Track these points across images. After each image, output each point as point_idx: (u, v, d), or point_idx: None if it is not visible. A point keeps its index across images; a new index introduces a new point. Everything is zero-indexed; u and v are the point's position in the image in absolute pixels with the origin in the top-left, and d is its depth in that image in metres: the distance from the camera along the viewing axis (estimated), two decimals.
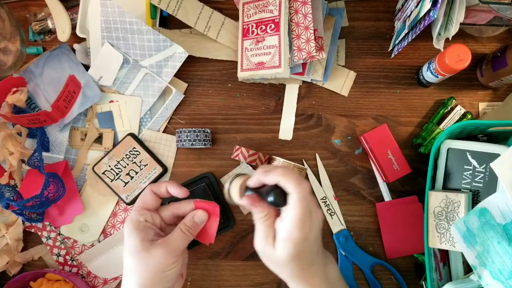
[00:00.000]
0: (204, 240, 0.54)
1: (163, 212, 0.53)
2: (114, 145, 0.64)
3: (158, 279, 0.47)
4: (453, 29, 0.52)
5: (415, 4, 0.54)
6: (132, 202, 0.63)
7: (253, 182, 0.48)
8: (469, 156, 0.53)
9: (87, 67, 0.64)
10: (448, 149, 0.54)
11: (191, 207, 0.53)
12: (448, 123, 0.62)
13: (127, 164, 0.63)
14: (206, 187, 0.62)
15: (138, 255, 0.48)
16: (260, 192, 0.48)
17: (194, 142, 0.61)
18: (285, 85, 0.66)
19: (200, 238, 0.54)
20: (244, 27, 0.63)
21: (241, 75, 0.63)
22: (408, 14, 0.57)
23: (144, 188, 0.51)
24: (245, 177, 0.50)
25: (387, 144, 0.61)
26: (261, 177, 0.47)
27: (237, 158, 0.61)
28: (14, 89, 0.61)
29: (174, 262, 0.48)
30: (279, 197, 0.45)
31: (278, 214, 0.47)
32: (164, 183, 0.53)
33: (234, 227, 0.64)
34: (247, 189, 0.49)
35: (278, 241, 0.45)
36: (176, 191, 0.53)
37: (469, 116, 0.62)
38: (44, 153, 0.63)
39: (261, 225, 0.46)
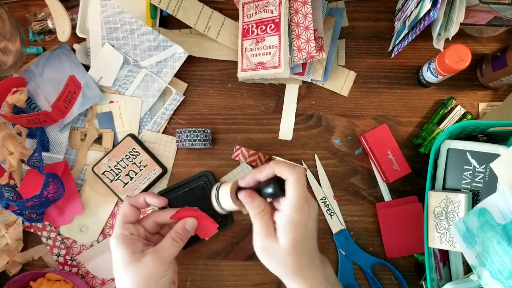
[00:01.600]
0: (207, 234, 0.55)
1: (145, 222, 0.54)
2: (114, 146, 0.64)
3: None
4: (453, 29, 0.52)
5: (415, 4, 0.54)
6: None
7: (245, 181, 0.49)
8: (469, 156, 0.53)
9: (87, 67, 0.64)
10: (448, 149, 0.54)
11: (172, 214, 0.54)
12: (448, 123, 0.62)
13: (127, 165, 0.63)
14: (204, 186, 0.63)
15: (130, 267, 0.48)
16: (255, 189, 0.49)
17: (194, 142, 0.61)
18: (285, 85, 0.66)
19: (201, 234, 0.55)
20: (244, 27, 0.63)
21: (241, 75, 0.63)
22: (408, 14, 0.57)
23: (122, 203, 0.52)
24: (233, 181, 0.51)
25: (387, 144, 0.61)
26: (255, 174, 0.48)
27: (237, 158, 0.61)
28: (14, 89, 0.61)
29: (166, 269, 0.48)
30: (278, 187, 0.47)
31: (273, 210, 0.48)
32: (142, 194, 0.54)
33: (234, 227, 0.64)
34: (238, 191, 0.50)
35: (279, 230, 0.45)
36: (154, 200, 0.53)
37: (469, 116, 0.62)
38: (44, 153, 0.63)
39: (259, 220, 0.47)
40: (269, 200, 0.49)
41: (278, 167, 0.46)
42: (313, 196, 0.64)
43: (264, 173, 0.47)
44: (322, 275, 0.47)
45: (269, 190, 0.47)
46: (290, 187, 0.45)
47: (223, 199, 0.50)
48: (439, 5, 0.49)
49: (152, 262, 0.48)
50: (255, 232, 0.47)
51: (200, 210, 0.55)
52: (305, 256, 0.46)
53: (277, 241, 0.45)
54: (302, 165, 0.64)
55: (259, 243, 0.47)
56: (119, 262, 0.48)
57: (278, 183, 0.47)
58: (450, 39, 0.53)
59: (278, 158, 0.61)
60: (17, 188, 0.62)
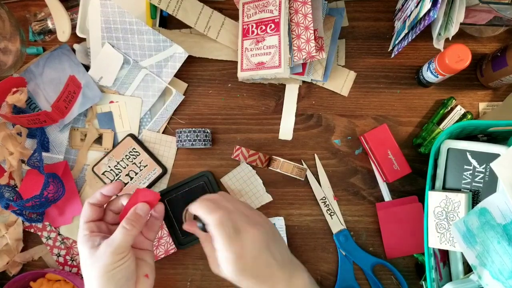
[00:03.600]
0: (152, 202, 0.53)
1: (106, 217, 0.53)
2: (114, 146, 0.64)
3: (106, 280, 0.47)
4: (453, 29, 0.52)
5: (415, 4, 0.54)
6: None
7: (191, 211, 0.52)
8: (469, 156, 0.53)
9: (87, 67, 0.64)
10: (448, 149, 0.54)
11: (126, 199, 0.53)
12: (448, 123, 0.62)
13: (127, 165, 0.63)
14: (204, 186, 0.63)
15: (88, 263, 0.48)
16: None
17: (194, 142, 0.61)
18: (285, 85, 0.66)
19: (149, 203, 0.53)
20: (244, 27, 0.63)
21: (241, 75, 0.63)
22: (408, 14, 0.57)
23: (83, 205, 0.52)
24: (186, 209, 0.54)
25: (387, 144, 0.61)
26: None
27: (237, 158, 0.61)
28: (14, 89, 0.61)
29: (119, 260, 0.47)
30: (203, 225, 0.51)
31: None
32: (97, 191, 0.53)
33: None
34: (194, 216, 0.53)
35: (219, 264, 0.48)
36: (109, 189, 0.52)
37: (469, 116, 0.62)
38: (44, 153, 0.63)
39: (205, 249, 0.52)
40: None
41: (198, 212, 0.49)
42: (313, 196, 0.64)
43: (192, 211, 0.50)
44: None
45: (199, 224, 0.51)
46: (211, 230, 0.48)
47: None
48: (439, 5, 0.49)
49: (104, 253, 0.47)
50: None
51: (155, 192, 0.53)
52: (256, 277, 0.48)
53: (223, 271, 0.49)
54: (302, 165, 0.64)
55: (212, 268, 0.51)
56: (81, 261, 0.49)
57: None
58: (450, 39, 0.53)
59: (278, 158, 0.61)
60: (17, 188, 0.62)
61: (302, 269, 0.52)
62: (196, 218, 0.52)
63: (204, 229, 0.50)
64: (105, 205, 0.54)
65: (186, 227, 0.55)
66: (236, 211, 0.50)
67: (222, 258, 0.47)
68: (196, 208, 0.50)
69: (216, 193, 0.54)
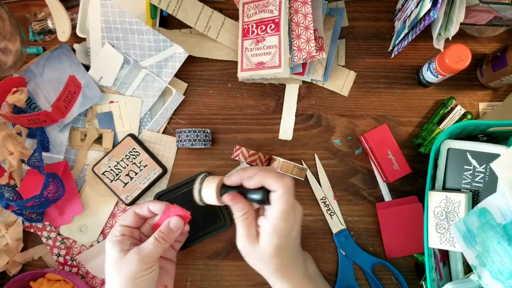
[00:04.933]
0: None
1: (143, 228, 0.55)
2: (114, 146, 0.64)
3: (130, 287, 0.47)
4: (453, 29, 0.52)
5: (415, 4, 0.54)
6: (132, 203, 0.63)
7: (231, 181, 0.50)
8: (469, 156, 0.53)
9: (87, 67, 0.64)
10: (448, 149, 0.54)
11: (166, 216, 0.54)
12: (448, 123, 0.62)
13: (127, 165, 0.63)
14: None
15: (114, 265, 0.48)
16: (241, 191, 0.50)
17: (194, 142, 0.61)
18: (285, 85, 0.66)
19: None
20: (244, 27, 0.63)
21: (241, 75, 0.63)
22: (408, 14, 0.57)
23: (128, 209, 0.53)
24: (219, 178, 0.51)
25: (387, 144, 0.61)
26: (243, 178, 0.49)
27: (237, 158, 0.61)
28: (14, 89, 0.61)
29: (146, 269, 0.48)
30: (266, 195, 0.48)
31: (257, 214, 0.49)
32: (146, 203, 0.53)
33: (234, 227, 0.64)
34: (223, 188, 0.50)
35: (262, 236, 0.47)
36: (157, 207, 0.53)
37: (469, 116, 0.62)
38: (44, 153, 0.63)
39: (241, 224, 0.48)
40: (255, 206, 0.50)
41: (266, 179, 0.47)
42: (313, 196, 0.64)
43: (252, 182, 0.48)
44: (303, 272, 0.49)
45: (257, 197, 0.48)
46: (278, 198, 0.46)
47: (206, 193, 0.50)
48: (439, 5, 0.49)
49: (132, 261, 0.48)
50: (238, 234, 0.49)
51: (186, 211, 0.53)
52: (288, 257, 0.48)
53: (259, 245, 0.47)
54: (302, 165, 0.64)
55: (242, 246, 0.48)
56: (107, 260, 0.49)
57: (266, 191, 0.48)
58: (450, 39, 0.53)
59: (278, 158, 0.61)
60: (17, 188, 0.62)
61: (310, 257, 0.54)
62: (224, 192, 0.49)
63: (260, 200, 0.47)
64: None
65: (232, 195, 0.49)
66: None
67: (275, 229, 0.46)
68: (264, 175, 0.47)
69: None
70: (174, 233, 0.51)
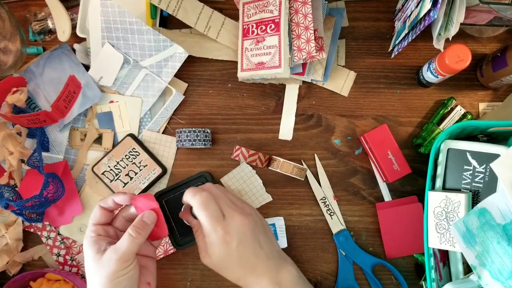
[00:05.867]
0: (159, 236, 0.53)
1: (116, 222, 0.53)
2: (114, 146, 0.64)
3: (111, 287, 0.47)
4: (453, 29, 0.52)
5: (415, 4, 0.54)
6: None
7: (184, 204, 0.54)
8: (469, 156, 0.53)
9: (87, 67, 0.64)
10: (448, 149, 0.54)
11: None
12: (448, 123, 0.62)
13: (127, 165, 0.63)
14: None
15: (93, 267, 0.48)
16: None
17: (194, 142, 0.61)
18: (285, 85, 0.66)
19: (153, 237, 0.53)
20: (244, 27, 0.63)
21: (241, 75, 0.63)
22: (408, 14, 0.57)
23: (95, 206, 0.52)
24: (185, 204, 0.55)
25: (387, 144, 0.61)
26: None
27: (237, 158, 0.61)
28: (14, 89, 0.61)
29: (124, 268, 0.47)
30: (192, 211, 0.52)
31: None
32: (110, 196, 0.52)
33: None
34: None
35: (207, 250, 0.50)
36: (122, 198, 0.52)
37: (469, 117, 0.62)
38: (43, 153, 0.63)
39: (196, 239, 0.52)
40: None
41: (185, 196, 0.51)
42: (313, 196, 0.64)
43: (184, 199, 0.52)
44: (270, 281, 0.49)
45: (192, 212, 0.53)
46: (197, 214, 0.50)
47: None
48: (439, 5, 0.49)
49: (109, 260, 0.47)
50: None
51: (153, 199, 0.52)
52: (243, 265, 0.49)
53: (209, 257, 0.50)
54: (302, 165, 0.64)
55: (204, 261, 0.51)
56: (86, 262, 0.49)
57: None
58: (450, 39, 0.53)
59: (278, 158, 0.61)
60: (17, 188, 0.62)
61: (290, 263, 0.53)
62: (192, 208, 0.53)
63: (194, 216, 0.52)
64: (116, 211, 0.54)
65: (181, 214, 0.56)
66: (224, 197, 0.52)
67: (208, 241, 0.49)
68: (185, 193, 0.52)
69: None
70: (149, 225, 0.51)
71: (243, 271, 0.50)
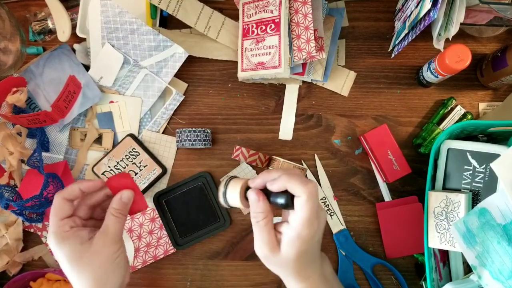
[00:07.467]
0: (139, 209, 0.52)
1: (79, 212, 0.50)
2: (114, 146, 0.64)
3: (111, 271, 0.46)
4: (453, 29, 0.52)
5: (415, 4, 0.54)
6: None
7: (255, 184, 0.48)
8: (469, 156, 0.53)
9: (87, 67, 0.64)
10: (448, 149, 0.54)
11: (104, 192, 0.50)
12: (448, 123, 0.62)
13: (127, 165, 0.63)
14: (202, 187, 0.63)
15: (83, 260, 0.46)
16: (264, 193, 0.48)
17: (194, 142, 0.61)
18: (285, 85, 0.66)
19: (134, 211, 0.51)
20: (244, 27, 0.63)
21: (241, 75, 0.63)
22: (408, 14, 0.57)
23: (53, 201, 0.48)
24: (244, 179, 0.50)
25: (387, 144, 0.61)
26: (266, 180, 0.47)
27: (237, 158, 0.61)
28: (14, 89, 0.61)
29: (118, 248, 0.47)
30: (290, 199, 0.46)
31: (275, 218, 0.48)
32: (73, 185, 0.49)
33: (234, 227, 0.64)
34: (247, 190, 0.49)
35: (285, 243, 0.45)
36: (89, 184, 0.49)
37: (469, 116, 0.62)
38: (43, 153, 0.63)
39: (262, 230, 0.46)
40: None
41: (290, 183, 0.45)
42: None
43: (275, 186, 0.46)
44: (320, 274, 0.49)
45: (280, 201, 0.46)
46: (302, 205, 0.44)
47: (230, 195, 0.49)
48: (439, 5, 0.49)
49: (103, 246, 0.46)
50: (257, 240, 0.47)
51: (131, 179, 0.51)
52: (308, 260, 0.47)
53: (281, 252, 0.46)
54: (302, 165, 0.64)
55: (261, 253, 0.47)
56: (68, 260, 0.46)
57: (291, 195, 0.46)
58: (450, 39, 0.53)
59: (278, 158, 0.61)
60: (17, 188, 0.62)
61: (326, 258, 0.52)
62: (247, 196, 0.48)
63: (284, 205, 0.46)
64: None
65: (255, 194, 0.47)
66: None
67: (298, 236, 0.45)
68: (288, 179, 0.45)
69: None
70: (128, 204, 0.50)
71: (306, 266, 0.48)
